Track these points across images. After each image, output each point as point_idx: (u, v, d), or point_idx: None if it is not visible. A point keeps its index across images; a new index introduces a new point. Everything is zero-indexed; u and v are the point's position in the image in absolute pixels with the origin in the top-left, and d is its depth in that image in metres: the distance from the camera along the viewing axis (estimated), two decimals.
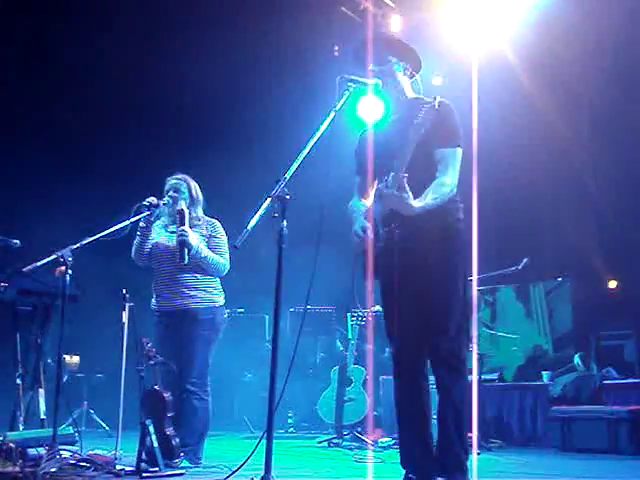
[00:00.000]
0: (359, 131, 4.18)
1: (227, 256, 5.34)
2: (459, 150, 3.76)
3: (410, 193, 3.44)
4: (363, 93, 3.87)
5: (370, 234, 3.68)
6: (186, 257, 5.08)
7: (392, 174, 3.45)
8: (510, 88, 8.54)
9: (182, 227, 5.10)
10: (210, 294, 5.31)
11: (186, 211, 5.17)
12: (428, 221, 3.59)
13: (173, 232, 5.27)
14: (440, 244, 3.70)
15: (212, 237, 5.32)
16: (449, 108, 3.79)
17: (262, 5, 8.69)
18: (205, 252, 5.21)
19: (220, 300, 5.38)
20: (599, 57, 7.92)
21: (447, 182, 3.66)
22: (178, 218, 5.15)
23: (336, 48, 9.69)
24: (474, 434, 6.53)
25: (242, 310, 9.36)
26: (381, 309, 3.98)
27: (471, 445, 5.83)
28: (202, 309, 5.24)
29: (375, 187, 3.78)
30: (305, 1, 8.71)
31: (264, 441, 3.25)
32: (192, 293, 5.25)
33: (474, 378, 7.07)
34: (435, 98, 3.47)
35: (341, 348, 8.92)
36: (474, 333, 7.97)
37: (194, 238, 5.14)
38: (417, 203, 3.49)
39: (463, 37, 8.60)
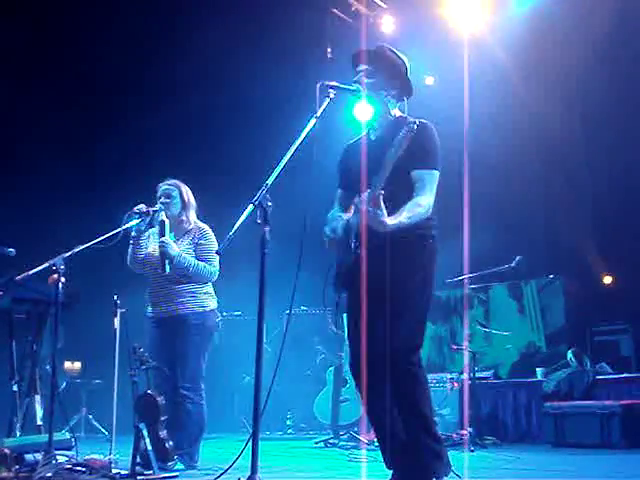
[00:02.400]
0: (345, 142, 4.23)
1: (215, 262, 5.37)
2: (435, 172, 3.79)
3: (385, 210, 3.48)
4: (356, 99, 3.92)
5: (337, 234, 3.76)
6: (167, 267, 5.14)
7: (368, 191, 3.50)
8: (502, 87, 8.60)
9: (162, 238, 5.16)
10: (200, 299, 5.37)
11: (166, 221, 5.22)
12: (396, 235, 3.63)
13: None
14: (402, 257, 3.75)
15: (199, 243, 5.37)
16: (429, 130, 3.82)
17: (255, 7, 8.75)
18: (188, 261, 5.25)
19: (211, 305, 5.44)
20: (591, 55, 7.96)
21: (422, 203, 3.70)
22: (158, 229, 5.22)
23: (329, 50, 9.75)
24: (463, 432, 6.67)
25: (239, 313, 9.42)
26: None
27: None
28: (192, 314, 5.30)
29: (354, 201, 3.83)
30: (298, 3, 8.78)
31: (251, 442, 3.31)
32: (182, 300, 5.31)
33: (465, 376, 7.17)
34: (415, 122, 3.49)
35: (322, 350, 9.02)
36: (465, 332, 8.07)
37: (174, 248, 5.19)
38: (391, 220, 3.53)
39: (454, 37, 8.67)
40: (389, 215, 3.53)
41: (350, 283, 3.80)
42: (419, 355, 3.81)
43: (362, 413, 7.43)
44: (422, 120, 3.83)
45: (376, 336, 3.74)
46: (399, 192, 3.65)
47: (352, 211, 3.83)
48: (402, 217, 3.60)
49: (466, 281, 7.41)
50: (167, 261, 5.13)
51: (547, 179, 8.79)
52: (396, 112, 3.99)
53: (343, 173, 4.08)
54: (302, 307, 9.24)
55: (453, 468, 3.92)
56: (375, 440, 6.77)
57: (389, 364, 3.76)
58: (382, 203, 3.46)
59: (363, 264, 3.73)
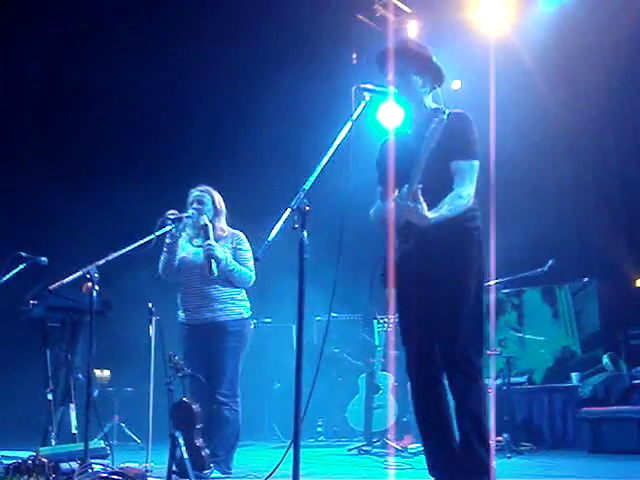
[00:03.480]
0: (381, 139, 4.19)
1: (252, 267, 5.36)
2: (475, 162, 3.76)
3: (424, 204, 3.45)
4: (383, 100, 3.88)
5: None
6: (215, 270, 5.12)
7: (406, 185, 3.46)
8: (530, 91, 8.53)
9: (208, 241, 5.14)
10: (237, 306, 5.35)
11: (209, 225, 5.20)
12: (443, 229, 3.60)
13: (199, 246, 5.30)
14: (453, 252, 3.71)
15: (237, 249, 5.35)
16: (466, 120, 3.79)
17: (280, 15, 8.76)
18: (233, 264, 5.25)
19: (247, 312, 5.42)
20: (622, 57, 7.88)
21: (463, 194, 3.66)
22: (203, 232, 5.19)
23: (354, 56, 9.74)
24: (498, 439, 6.58)
25: (269, 320, 9.39)
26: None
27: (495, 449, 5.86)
28: (231, 321, 5.28)
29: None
30: (323, 9, 8.77)
31: (292, 450, 3.27)
32: (220, 306, 5.29)
33: (492, 382, 7.08)
34: (444, 112, 3.45)
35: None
36: (492, 336, 7.96)
37: (221, 251, 5.18)
38: (431, 214, 3.50)
39: (480, 40, 8.61)
40: (429, 208, 3.50)
41: (399, 281, 3.75)
42: (481, 360, 3.76)
43: (393, 420, 7.38)
44: (457, 110, 3.80)
45: (434, 337, 3.69)
46: (439, 184, 3.61)
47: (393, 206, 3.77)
48: (443, 210, 3.56)
49: (493, 285, 7.32)
50: (214, 264, 5.11)
51: (578, 180, 8.69)
52: (431, 104, 3.95)
53: (382, 169, 4.03)
54: (333, 314, 9.19)
55: None
56: (408, 447, 6.83)
57: (449, 368, 3.71)
58: (421, 197, 3.42)
59: (410, 260, 3.68)
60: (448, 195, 3.64)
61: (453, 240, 3.70)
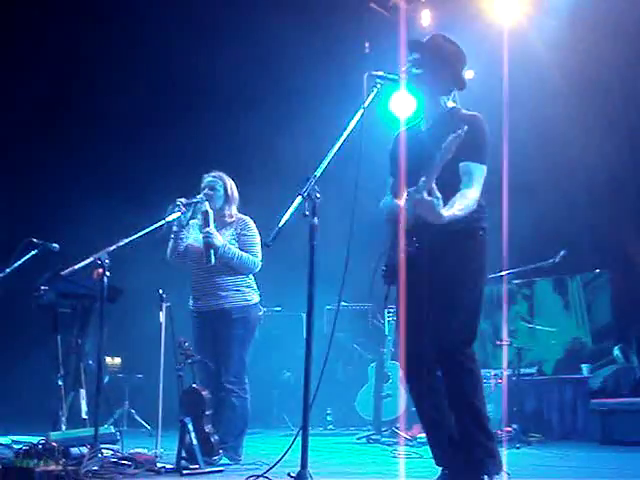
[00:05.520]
0: (394, 130, 4.16)
1: (258, 253, 5.35)
2: (483, 167, 3.70)
3: (441, 200, 3.40)
4: (396, 89, 3.85)
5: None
6: (212, 258, 5.11)
7: (423, 179, 3.40)
8: (544, 81, 8.47)
9: (207, 228, 5.13)
10: (243, 293, 5.34)
11: (210, 212, 5.19)
12: (449, 230, 3.57)
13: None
14: (456, 251, 3.69)
15: (242, 234, 5.34)
16: (480, 123, 3.75)
17: (294, 4, 8.73)
18: (233, 251, 5.23)
19: (254, 298, 5.41)
20: (631, 46, 7.82)
21: (469, 196, 3.61)
22: (202, 219, 5.18)
23: (367, 45, 9.69)
24: (508, 429, 6.58)
25: (279, 309, 9.39)
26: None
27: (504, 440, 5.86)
28: (236, 308, 5.27)
29: (406, 191, 3.75)
30: None
31: (301, 437, 3.27)
32: (224, 293, 5.28)
33: (504, 373, 7.07)
34: (463, 129, 3.39)
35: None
36: (504, 328, 7.95)
37: (219, 239, 5.17)
38: (445, 212, 3.45)
39: (494, 30, 8.56)
40: None
41: (399, 283, 3.71)
42: (472, 349, 3.75)
43: (403, 409, 7.39)
44: (472, 112, 3.77)
45: (428, 330, 3.68)
46: (446, 182, 3.58)
47: (403, 201, 3.74)
48: (455, 209, 3.51)
49: (505, 276, 7.30)
50: (212, 252, 5.10)
51: (590, 171, 8.63)
52: (448, 102, 3.90)
53: (394, 162, 4.00)
54: (342, 303, 9.18)
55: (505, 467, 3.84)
56: (417, 436, 6.83)
57: (443, 358, 3.71)
58: (438, 192, 3.39)
59: (414, 259, 3.67)
60: (456, 195, 3.59)
61: (458, 240, 3.67)
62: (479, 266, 3.78)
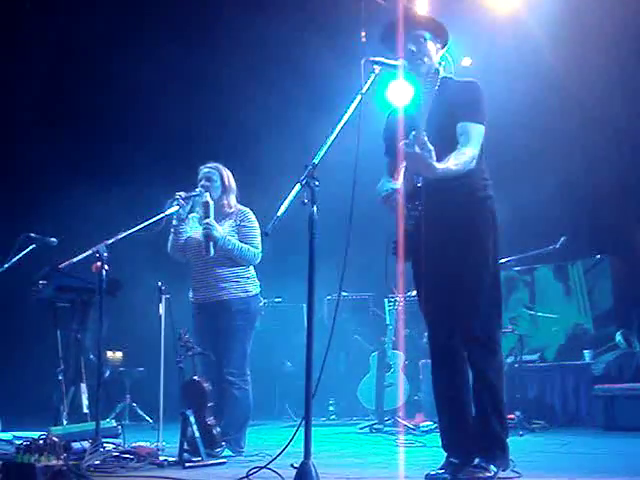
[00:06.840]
0: (387, 113, 4.15)
1: (258, 245, 5.31)
2: (480, 127, 3.72)
3: (433, 152, 3.38)
4: (393, 77, 3.82)
5: (399, 198, 3.64)
6: (211, 250, 5.07)
7: (413, 133, 3.38)
8: (541, 66, 8.43)
9: (206, 220, 5.09)
10: (243, 284, 5.31)
11: (211, 203, 5.15)
12: (455, 197, 3.55)
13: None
14: (469, 220, 3.67)
15: (242, 225, 5.31)
16: (474, 85, 3.81)
17: None
18: (232, 243, 5.20)
19: (254, 289, 5.37)
20: (627, 31, 7.77)
21: (466, 152, 3.60)
22: (202, 210, 5.15)
23: (363, 34, 9.64)
24: (511, 416, 6.55)
25: (280, 299, 9.37)
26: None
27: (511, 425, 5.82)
28: (236, 299, 5.24)
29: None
30: None
31: (304, 428, 3.25)
32: (224, 284, 5.25)
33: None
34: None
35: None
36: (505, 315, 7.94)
37: (219, 230, 5.13)
38: (439, 165, 3.43)
39: (491, 16, 8.52)
40: None
41: (414, 251, 3.70)
42: (500, 333, 3.74)
43: (405, 398, 7.37)
44: (468, 78, 3.83)
45: (454, 310, 3.66)
46: (445, 150, 3.55)
47: (400, 178, 3.70)
48: (449, 164, 3.50)
49: (506, 263, 7.26)
50: (211, 244, 5.07)
51: (589, 156, 8.59)
52: (441, 71, 3.92)
53: (388, 141, 3.98)
54: (343, 293, 9.15)
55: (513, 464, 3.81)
56: (420, 425, 6.82)
57: (469, 340, 3.68)
58: (429, 144, 3.35)
59: (423, 229, 3.64)
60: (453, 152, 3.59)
61: (466, 208, 3.65)
62: (493, 239, 3.73)
